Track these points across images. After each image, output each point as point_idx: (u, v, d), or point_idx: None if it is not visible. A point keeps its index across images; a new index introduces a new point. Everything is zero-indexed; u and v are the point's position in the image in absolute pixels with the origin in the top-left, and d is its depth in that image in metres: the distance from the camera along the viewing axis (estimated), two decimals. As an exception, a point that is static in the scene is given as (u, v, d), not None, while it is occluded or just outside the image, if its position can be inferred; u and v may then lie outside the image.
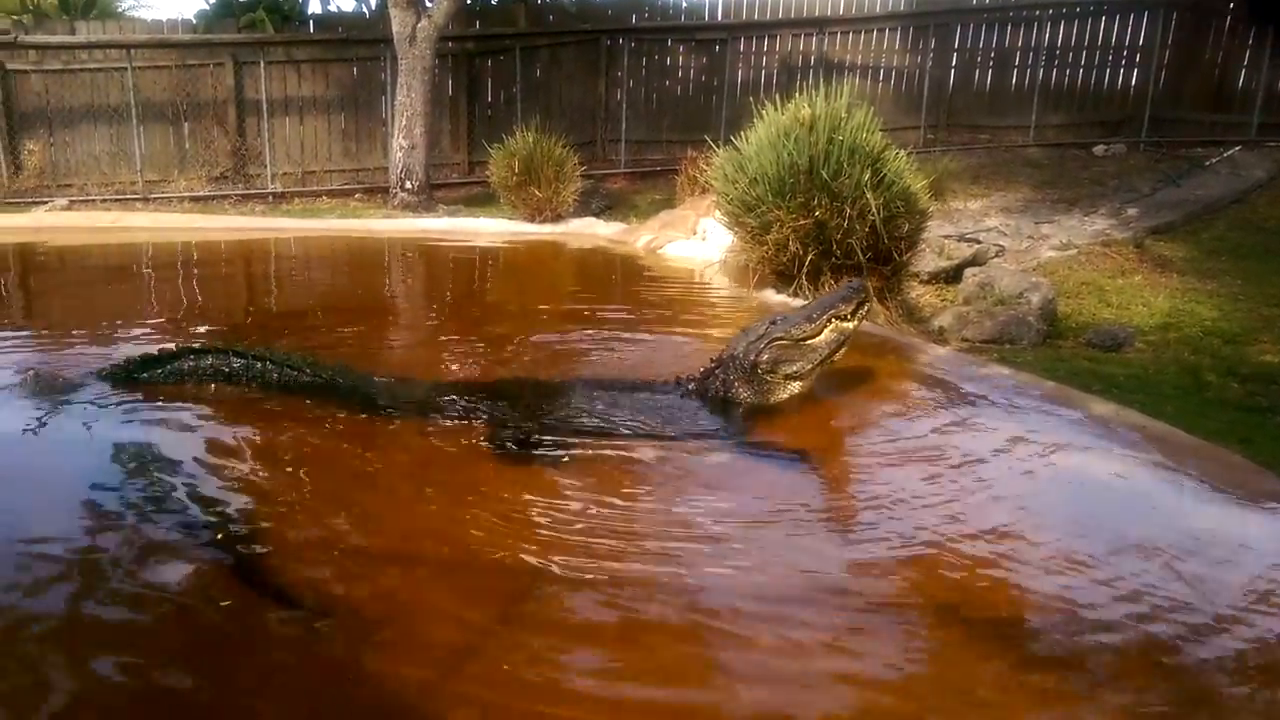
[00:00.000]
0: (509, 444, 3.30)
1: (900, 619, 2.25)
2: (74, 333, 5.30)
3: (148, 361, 3.92)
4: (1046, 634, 2.19)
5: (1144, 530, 2.72)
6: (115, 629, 2.19)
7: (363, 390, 3.80)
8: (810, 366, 3.79)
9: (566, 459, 3.19)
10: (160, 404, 3.68)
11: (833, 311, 3.80)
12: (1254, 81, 12.88)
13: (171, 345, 4.01)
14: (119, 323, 5.68)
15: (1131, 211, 10.09)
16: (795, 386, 3.81)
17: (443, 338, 5.59)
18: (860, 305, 3.87)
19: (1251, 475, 3.09)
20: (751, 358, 3.75)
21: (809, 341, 3.77)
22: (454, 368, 4.68)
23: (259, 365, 3.86)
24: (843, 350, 3.89)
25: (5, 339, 5.19)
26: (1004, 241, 8.98)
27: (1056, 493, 3.00)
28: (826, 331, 3.79)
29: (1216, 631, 2.16)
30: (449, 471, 3.19)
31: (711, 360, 3.90)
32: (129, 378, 3.88)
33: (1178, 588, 2.34)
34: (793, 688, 1.98)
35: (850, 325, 3.84)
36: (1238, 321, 6.24)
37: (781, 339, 3.76)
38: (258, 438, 3.40)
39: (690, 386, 3.84)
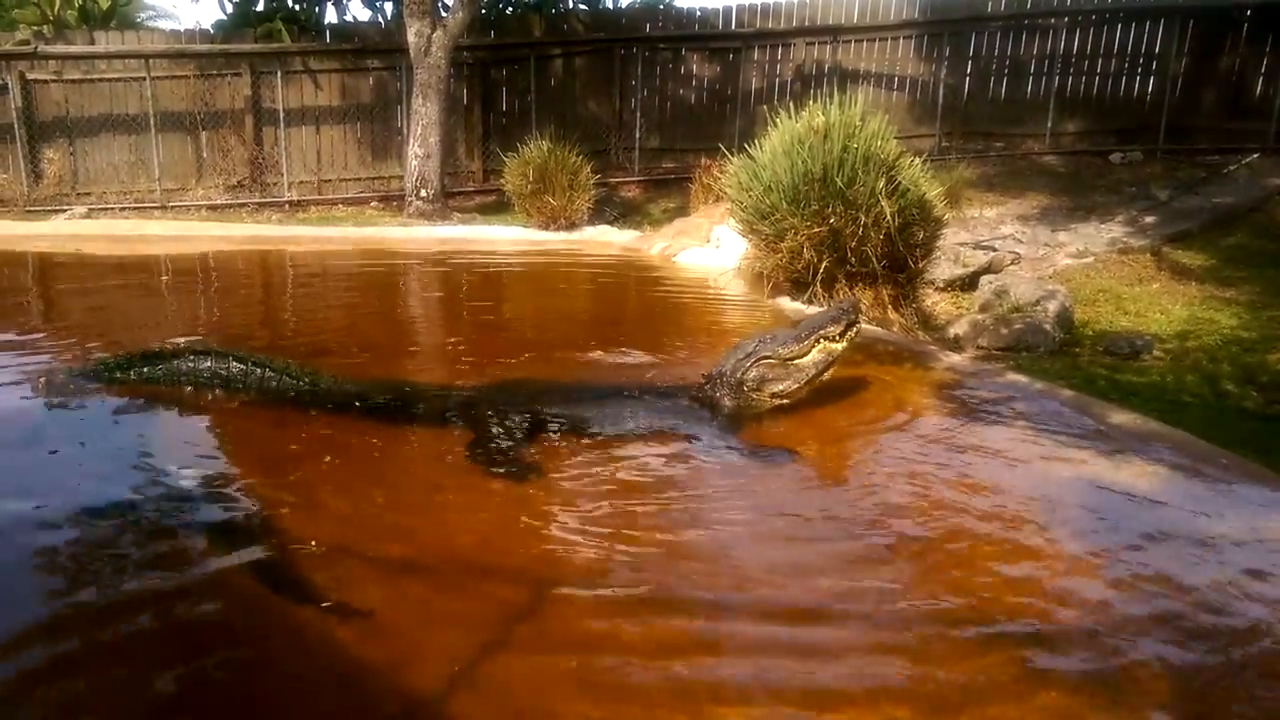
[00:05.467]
0: (494, 454, 3.30)
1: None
2: (92, 338, 5.33)
3: (148, 357, 3.93)
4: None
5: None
6: (132, 630, 2.20)
7: (357, 396, 3.82)
8: (796, 386, 3.80)
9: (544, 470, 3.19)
10: (162, 404, 3.71)
11: (821, 332, 3.82)
12: (1271, 89, 12.81)
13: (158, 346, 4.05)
14: (137, 329, 5.72)
15: (1149, 219, 10.03)
16: (782, 404, 3.82)
17: (459, 343, 5.60)
18: (849, 327, 3.87)
19: (1274, 484, 3.06)
20: (738, 375, 3.79)
21: (796, 361, 3.79)
22: (466, 373, 4.68)
23: (255, 371, 3.86)
24: (830, 370, 3.89)
25: (25, 343, 5.22)
26: (1020, 249, 8.94)
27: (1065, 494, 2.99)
28: (814, 352, 3.81)
29: None
30: (439, 478, 3.20)
31: (703, 376, 3.93)
32: (131, 376, 3.89)
33: None
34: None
35: (839, 347, 3.85)
36: (1257, 330, 6.18)
37: (769, 358, 3.78)
38: (258, 440, 3.44)
39: (684, 402, 3.86)
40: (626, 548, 2.60)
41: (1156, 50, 13.97)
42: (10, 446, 3.33)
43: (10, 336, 5.39)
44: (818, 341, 3.81)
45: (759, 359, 3.79)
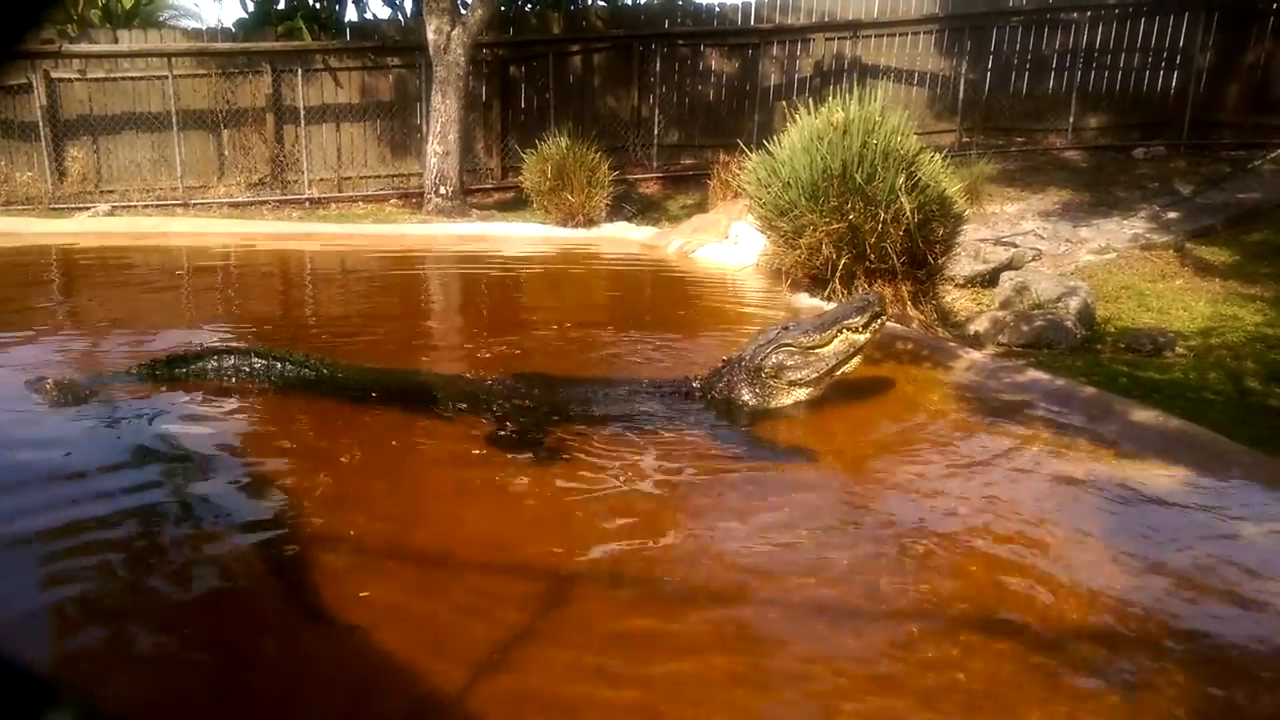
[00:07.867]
0: (510, 441, 3.34)
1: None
2: (113, 335, 5.39)
3: (172, 361, 4.00)
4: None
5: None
6: (146, 654, 2.22)
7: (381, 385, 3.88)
8: (816, 375, 3.78)
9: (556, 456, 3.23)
10: (180, 403, 3.75)
11: (845, 323, 3.79)
12: (1297, 83, 12.64)
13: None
14: (157, 326, 5.76)
15: (1172, 215, 9.93)
16: (800, 394, 3.80)
17: (478, 337, 5.62)
18: (874, 318, 3.84)
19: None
20: (758, 361, 3.77)
21: (817, 350, 3.77)
22: (485, 365, 4.70)
23: (275, 365, 3.93)
24: (855, 361, 3.86)
25: (46, 341, 5.28)
26: (1041, 245, 8.88)
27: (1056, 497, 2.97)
28: (836, 342, 3.78)
29: None
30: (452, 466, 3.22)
31: (721, 360, 3.92)
32: (152, 376, 3.95)
33: None
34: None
35: (862, 338, 3.82)
36: (1282, 326, 6.11)
37: (789, 345, 3.77)
38: (268, 431, 3.47)
39: (696, 385, 3.86)
40: (640, 538, 2.61)
41: (1181, 44, 13.80)
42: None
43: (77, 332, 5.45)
44: (840, 332, 3.78)
45: (779, 345, 3.77)
